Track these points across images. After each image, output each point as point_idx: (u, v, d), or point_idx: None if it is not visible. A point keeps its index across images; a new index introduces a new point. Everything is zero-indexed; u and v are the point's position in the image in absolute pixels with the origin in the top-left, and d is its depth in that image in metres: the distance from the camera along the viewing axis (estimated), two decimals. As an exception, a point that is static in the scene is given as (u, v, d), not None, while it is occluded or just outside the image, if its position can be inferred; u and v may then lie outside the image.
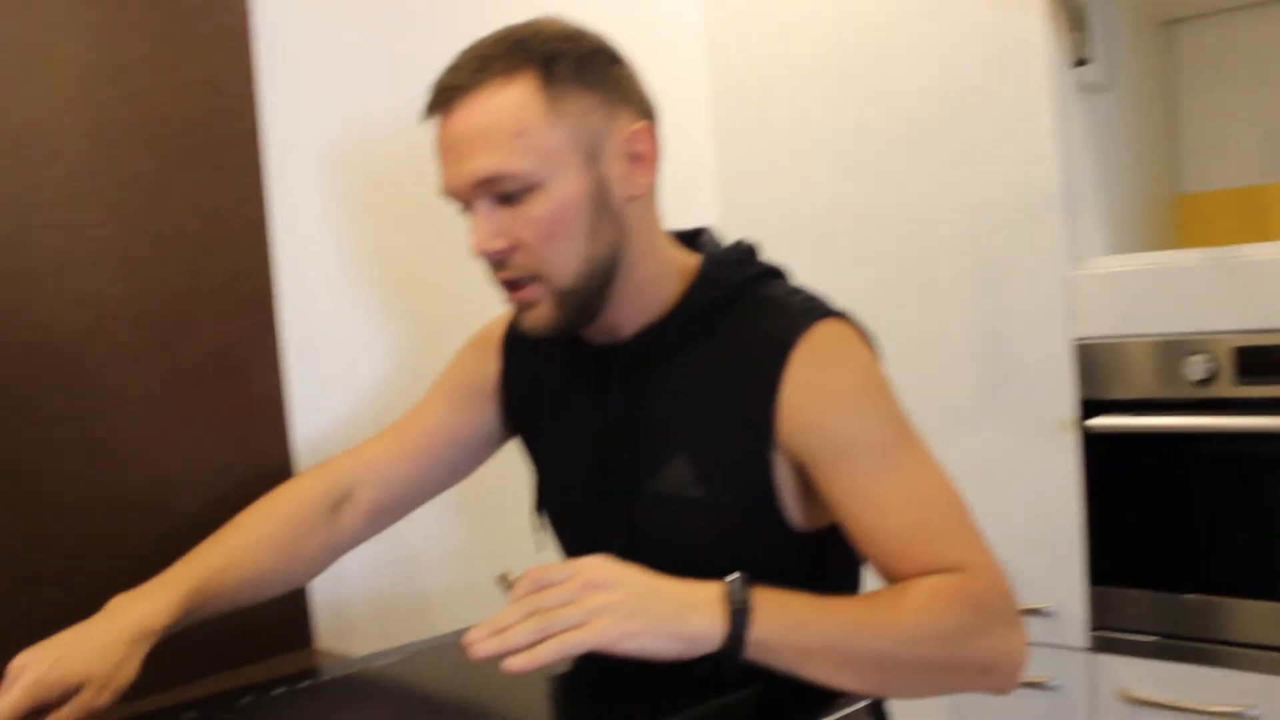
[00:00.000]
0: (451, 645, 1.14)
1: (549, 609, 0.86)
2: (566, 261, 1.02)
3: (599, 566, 0.89)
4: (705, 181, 2.07)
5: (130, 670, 1.01)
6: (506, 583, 0.94)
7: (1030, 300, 1.71)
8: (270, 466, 1.43)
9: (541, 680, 1.02)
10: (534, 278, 1.03)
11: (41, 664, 0.96)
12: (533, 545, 1.22)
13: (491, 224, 1.01)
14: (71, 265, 1.27)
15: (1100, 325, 1.66)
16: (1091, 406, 1.66)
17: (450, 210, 1.06)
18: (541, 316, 1.05)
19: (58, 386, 1.26)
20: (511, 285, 1.04)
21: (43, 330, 1.25)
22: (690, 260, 1.11)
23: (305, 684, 1.05)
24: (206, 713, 0.98)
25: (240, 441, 1.41)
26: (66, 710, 0.96)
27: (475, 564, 1.65)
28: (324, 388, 1.53)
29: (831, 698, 0.92)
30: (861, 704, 0.92)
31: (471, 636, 0.86)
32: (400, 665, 1.09)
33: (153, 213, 1.33)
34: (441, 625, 1.20)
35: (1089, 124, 1.77)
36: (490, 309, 1.28)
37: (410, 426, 1.27)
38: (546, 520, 1.22)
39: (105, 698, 0.99)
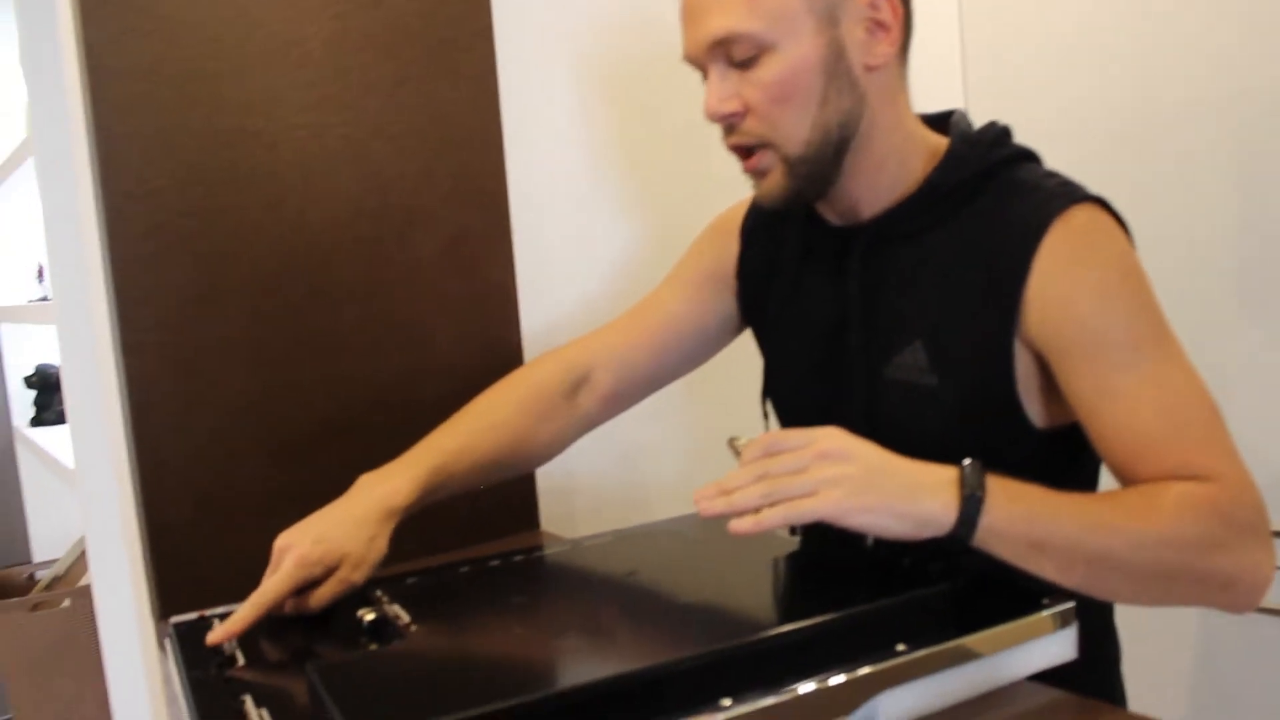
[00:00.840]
0: (662, 531, 1.18)
1: (779, 475, 0.86)
2: (796, 127, 1.00)
3: (834, 437, 0.88)
4: (949, 69, 1.98)
5: (381, 547, 1.07)
6: (736, 447, 0.94)
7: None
8: (502, 357, 1.49)
9: (738, 563, 1.04)
10: (764, 144, 1.01)
11: (304, 543, 1.02)
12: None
13: (724, 87, 1.01)
14: (316, 164, 1.35)
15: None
16: (1369, 311, 1.51)
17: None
18: (772, 185, 1.03)
19: (303, 279, 1.36)
20: (742, 152, 1.04)
21: (290, 226, 1.34)
22: (938, 141, 1.07)
23: (519, 558, 1.10)
24: (427, 579, 1.05)
25: (473, 333, 1.48)
26: (327, 587, 1.02)
27: (696, 456, 1.68)
28: (553, 281, 1.58)
29: (1036, 599, 0.89)
30: (1067, 604, 0.89)
31: (699, 494, 0.87)
32: (611, 544, 1.13)
33: (389, 113, 1.40)
34: (660, 516, 1.23)
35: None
36: (718, 199, 1.29)
37: (647, 312, 1.28)
38: (774, 409, 1.22)
39: (361, 574, 1.04)
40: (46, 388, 3.55)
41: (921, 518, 0.86)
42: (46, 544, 3.75)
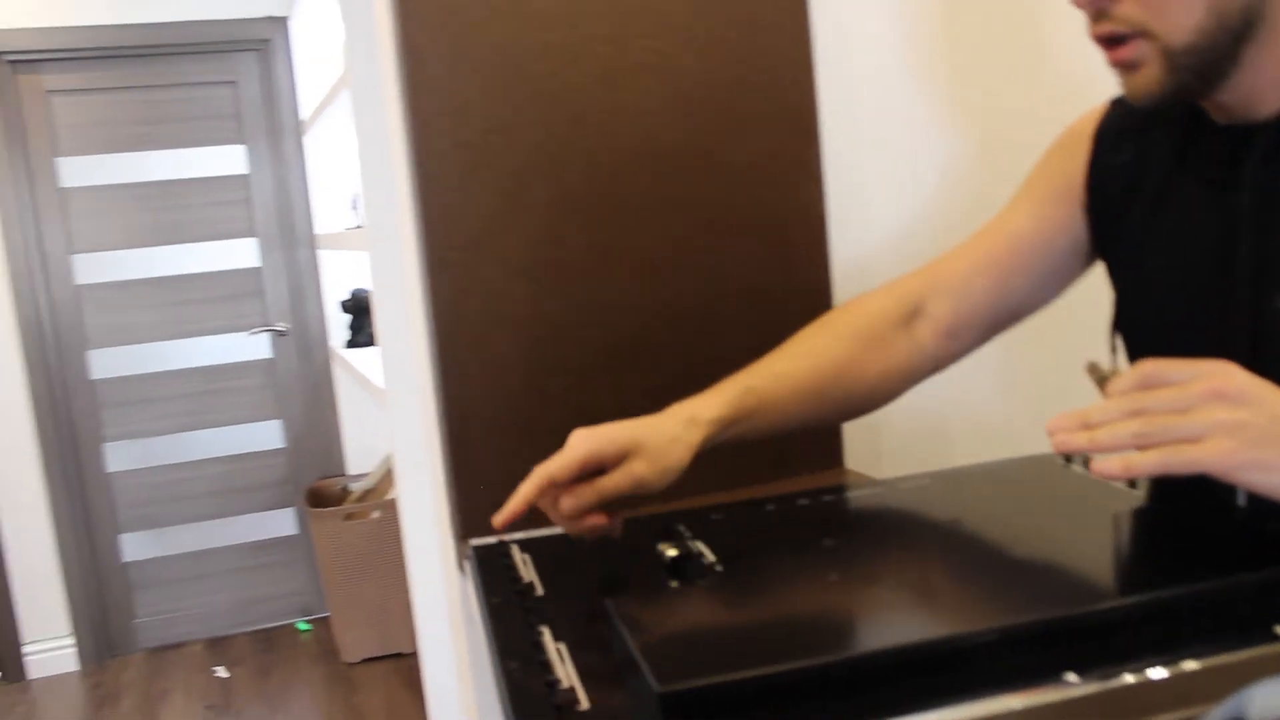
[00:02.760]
0: (984, 474, 1.07)
1: (1159, 412, 0.73)
2: (1185, 11, 0.83)
3: (1231, 374, 0.74)
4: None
5: (681, 452, 0.97)
6: (1099, 374, 0.82)
7: None
8: (808, 283, 1.41)
9: (1076, 517, 0.92)
10: (1140, 32, 0.85)
11: (598, 429, 0.96)
12: (1088, 378, 1.08)
13: None
14: (619, 77, 1.30)
15: None
16: None
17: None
18: (1146, 81, 0.87)
19: (605, 196, 1.32)
20: (1111, 42, 0.87)
21: (593, 142, 1.30)
22: None
23: (829, 498, 1.02)
24: (732, 515, 0.99)
25: (778, 256, 1.40)
26: (615, 476, 0.94)
27: (1015, 398, 1.55)
28: (867, 203, 1.48)
29: None
30: None
31: (1055, 424, 0.75)
32: (930, 487, 1.03)
33: (696, 24, 1.33)
34: (971, 459, 1.12)
35: None
36: (1058, 113, 1.14)
37: (990, 235, 1.12)
38: (1125, 345, 1.06)
39: (654, 473, 0.95)
40: (359, 311, 3.75)
41: None
42: (359, 458, 4.00)
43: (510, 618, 0.84)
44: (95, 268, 3.74)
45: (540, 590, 0.89)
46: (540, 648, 0.77)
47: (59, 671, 3.73)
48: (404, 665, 3.50)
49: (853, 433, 1.47)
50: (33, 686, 3.64)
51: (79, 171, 3.70)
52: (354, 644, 3.57)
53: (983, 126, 1.50)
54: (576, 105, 1.29)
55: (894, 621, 0.76)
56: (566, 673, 0.73)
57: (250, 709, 3.31)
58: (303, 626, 3.95)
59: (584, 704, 0.69)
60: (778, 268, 1.40)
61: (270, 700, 3.36)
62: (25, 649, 3.70)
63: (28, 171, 3.64)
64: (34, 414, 3.64)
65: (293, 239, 3.89)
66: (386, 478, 3.65)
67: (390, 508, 3.48)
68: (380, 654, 3.57)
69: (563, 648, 0.77)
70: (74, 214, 3.70)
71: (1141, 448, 0.72)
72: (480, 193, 1.26)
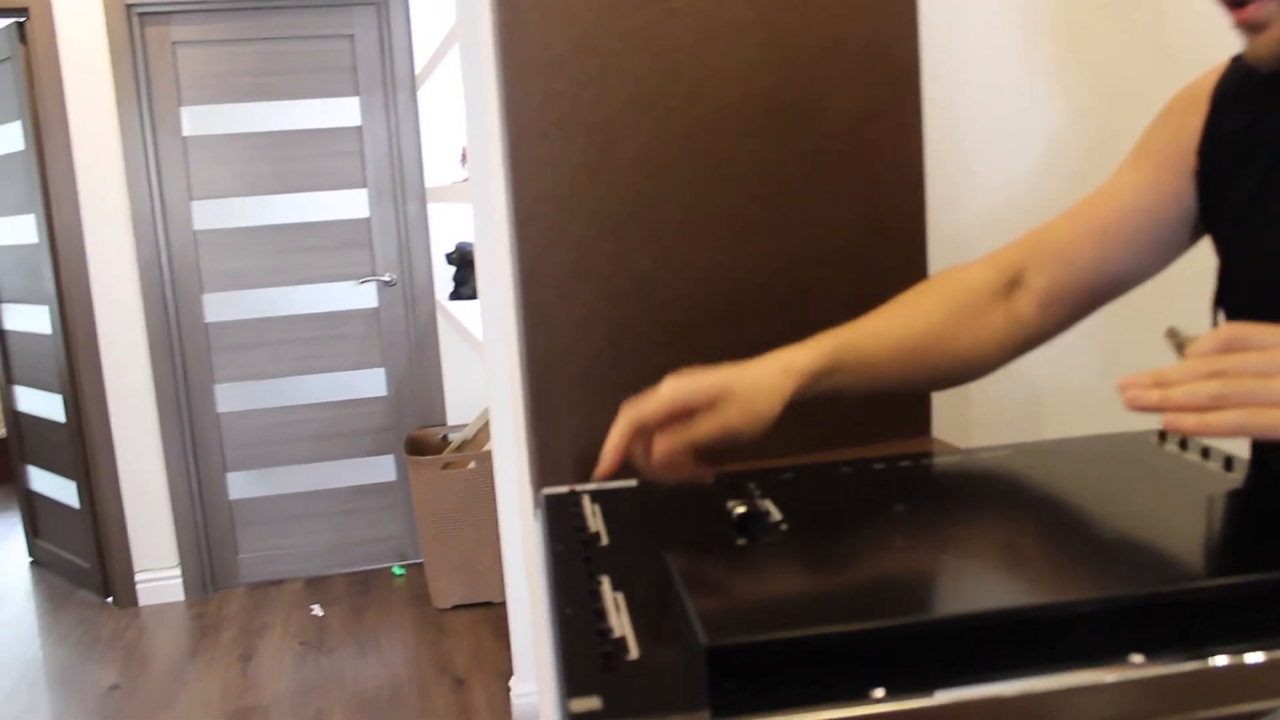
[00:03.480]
0: (1068, 448, 1.04)
1: (1241, 374, 0.70)
2: None
3: None
4: None
5: (774, 400, 0.95)
6: (1179, 339, 0.79)
7: None
8: (904, 246, 1.37)
9: (1161, 496, 0.88)
10: None
11: (690, 373, 0.94)
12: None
13: None
14: (715, 33, 1.28)
15: None
16: None
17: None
18: (1271, 42, 0.83)
19: (699, 152, 1.30)
20: (1236, 2, 0.83)
21: (688, 97, 1.28)
22: None
23: (905, 463, 1.00)
24: (805, 476, 0.98)
25: (874, 219, 1.37)
26: (706, 422, 0.92)
27: (1113, 372, 1.50)
28: (968, 166, 1.44)
29: None
30: None
31: (1127, 381, 0.73)
32: (1010, 458, 1.01)
33: (797, -23, 1.31)
34: (1063, 434, 1.08)
35: None
36: (1174, 74, 1.09)
37: (1096, 202, 1.08)
38: (1227, 321, 1.01)
39: (746, 422, 0.93)
40: (464, 264, 3.79)
41: None
42: (459, 408, 4.06)
43: (572, 565, 0.84)
44: (212, 214, 3.84)
45: (605, 540, 0.89)
46: (597, 595, 0.78)
47: (166, 600, 3.88)
48: (493, 614, 3.56)
49: (942, 401, 1.44)
50: (142, 613, 3.80)
51: (200, 120, 3.80)
52: (445, 591, 3.64)
53: (1092, 92, 1.44)
54: (670, 60, 1.28)
55: (951, 590, 0.74)
56: (620, 622, 0.73)
57: (343, 648, 3.41)
58: (398, 571, 4.04)
59: (633, 654, 0.68)
60: (872, 232, 1.36)
61: (361, 640, 3.45)
62: (137, 577, 3.86)
63: (152, 120, 3.75)
64: (150, 354, 3.77)
65: (403, 191, 3.94)
66: (484, 429, 3.70)
67: (486, 459, 3.52)
68: (470, 601, 3.64)
69: (620, 598, 0.77)
70: (194, 161, 3.81)
71: (1219, 410, 0.69)
72: (570, 147, 1.26)
